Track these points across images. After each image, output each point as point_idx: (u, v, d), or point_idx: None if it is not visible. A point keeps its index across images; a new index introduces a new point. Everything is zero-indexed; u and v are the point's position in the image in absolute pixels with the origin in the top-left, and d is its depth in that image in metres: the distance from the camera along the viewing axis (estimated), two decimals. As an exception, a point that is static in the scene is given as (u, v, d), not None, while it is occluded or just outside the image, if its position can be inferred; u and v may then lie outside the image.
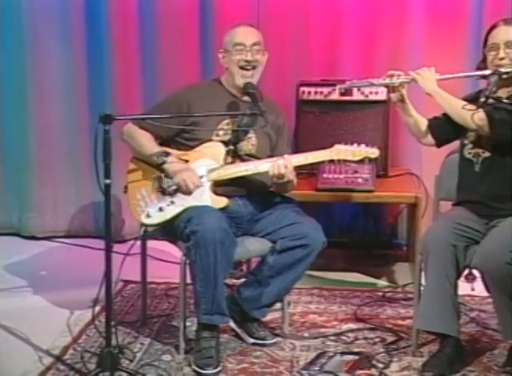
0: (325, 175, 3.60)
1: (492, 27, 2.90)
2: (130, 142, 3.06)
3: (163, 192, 2.97)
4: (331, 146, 3.01)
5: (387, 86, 3.04)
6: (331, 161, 3.08)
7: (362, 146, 3.01)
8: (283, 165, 2.91)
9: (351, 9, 4.10)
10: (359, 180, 3.59)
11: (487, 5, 3.99)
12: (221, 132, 3.02)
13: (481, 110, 2.83)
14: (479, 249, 2.78)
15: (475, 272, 2.84)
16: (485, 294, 2.90)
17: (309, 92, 3.89)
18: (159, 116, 2.96)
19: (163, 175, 2.99)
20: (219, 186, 2.98)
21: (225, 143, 3.02)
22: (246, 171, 2.98)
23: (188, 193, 2.92)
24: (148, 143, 3.01)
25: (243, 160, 3.04)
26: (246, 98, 3.06)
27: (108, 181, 2.61)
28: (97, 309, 3.02)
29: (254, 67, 3.03)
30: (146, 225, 3.02)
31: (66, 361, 2.88)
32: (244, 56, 3.01)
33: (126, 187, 3.05)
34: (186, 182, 2.92)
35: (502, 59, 2.83)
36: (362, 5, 4.10)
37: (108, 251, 2.67)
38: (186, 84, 3.24)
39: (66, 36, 4.26)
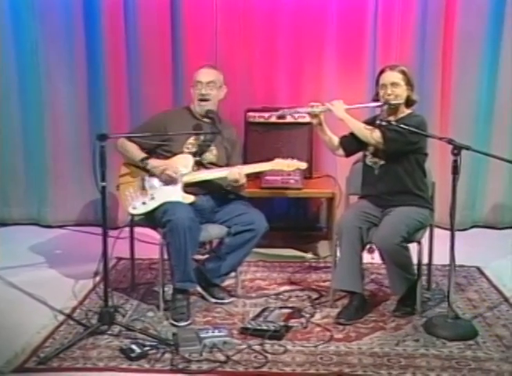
0: (267, 178, 3.61)
1: (381, 72, 2.95)
2: (122, 152, 3.04)
3: (145, 190, 2.95)
4: (273, 158, 3.04)
5: (309, 113, 3.05)
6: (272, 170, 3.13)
7: (295, 160, 3.05)
8: (237, 173, 2.93)
9: (284, 54, 4.10)
10: (292, 181, 3.60)
11: (379, 53, 4.03)
12: (189, 146, 3.02)
13: (377, 130, 2.90)
14: (377, 232, 2.82)
15: (374, 246, 2.86)
16: (381, 262, 2.94)
17: (254, 116, 3.88)
18: (142, 135, 2.94)
19: (146, 177, 2.97)
20: (188, 187, 2.97)
21: (193, 154, 3.01)
22: (208, 176, 2.99)
23: (172, 179, 2.90)
24: (135, 152, 3.00)
25: (206, 168, 3.03)
26: (207, 120, 3.06)
27: (104, 184, 2.61)
28: (97, 279, 3.01)
29: (207, 99, 3.02)
30: (133, 215, 3.00)
31: (75, 318, 2.86)
32: (200, 91, 3.01)
33: (118, 186, 3.02)
34: (167, 171, 2.90)
35: (389, 95, 2.89)
36: (292, 50, 4.09)
37: (105, 235, 2.65)
38: (163, 111, 3.19)
39: (72, 74, 4.18)
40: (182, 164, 2.97)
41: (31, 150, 4.32)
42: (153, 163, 2.95)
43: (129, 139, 3.01)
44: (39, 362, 2.47)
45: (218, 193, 3.07)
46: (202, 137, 3.03)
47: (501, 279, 3.34)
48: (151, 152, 3.02)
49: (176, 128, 2.99)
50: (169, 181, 2.93)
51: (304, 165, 3.05)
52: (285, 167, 3.03)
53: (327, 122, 3.04)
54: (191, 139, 3.02)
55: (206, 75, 3.04)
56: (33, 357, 2.51)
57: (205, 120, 3.06)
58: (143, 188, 2.96)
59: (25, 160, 4.34)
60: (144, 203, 2.94)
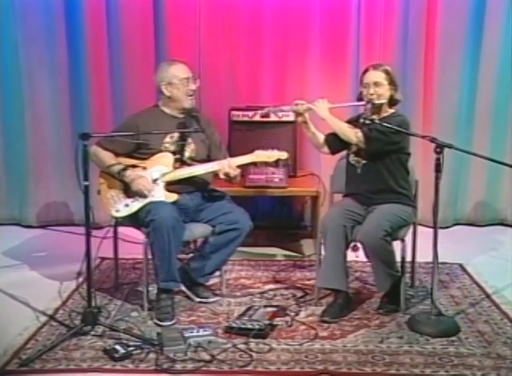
0: (251, 176, 3.60)
1: (365, 71, 2.96)
2: (96, 162, 2.94)
3: (128, 193, 2.92)
4: (253, 152, 3.03)
5: (294, 112, 3.06)
6: (255, 164, 3.10)
7: (275, 150, 3.04)
8: (227, 165, 2.91)
9: (268, 53, 4.10)
10: (276, 179, 3.60)
11: (362, 53, 4.05)
12: (167, 145, 2.98)
13: (359, 130, 2.91)
14: (361, 228, 2.83)
15: (359, 245, 2.88)
16: (365, 260, 2.95)
17: (238, 115, 3.87)
18: (125, 133, 2.90)
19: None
20: (171, 185, 2.95)
21: (173, 153, 2.98)
22: (190, 173, 2.97)
23: (144, 196, 2.89)
24: (110, 163, 2.92)
25: (187, 165, 3.01)
26: (181, 117, 3.02)
27: (86, 183, 2.58)
28: (80, 279, 2.98)
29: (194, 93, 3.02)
30: (117, 218, 2.97)
31: (58, 319, 2.83)
32: (191, 87, 2.98)
33: (99, 191, 2.97)
34: (141, 190, 2.88)
35: (372, 94, 2.91)
36: (276, 49, 4.09)
37: (88, 235, 2.63)
38: (131, 114, 3.13)
39: (53, 73, 4.13)
40: (163, 163, 2.95)
41: (12, 150, 4.26)
42: (131, 178, 2.88)
43: (103, 147, 2.94)
44: (21, 364, 2.44)
45: (203, 191, 3.05)
46: (180, 134, 2.99)
47: (483, 275, 3.37)
48: (129, 155, 2.97)
49: (149, 128, 2.93)
50: (139, 194, 2.89)
51: (284, 155, 3.04)
52: (265, 158, 3.02)
53: (313, 120, 3.05)
54: (168, 138, 2.98)
55: (188, 70, 3.02)
56: (15, 359, 2.48)
57: (180, 116, 3.02)
58: (125, 190, 2.93)
59: (6, 160, 4.29)
60: (127, 205, 2.91)
